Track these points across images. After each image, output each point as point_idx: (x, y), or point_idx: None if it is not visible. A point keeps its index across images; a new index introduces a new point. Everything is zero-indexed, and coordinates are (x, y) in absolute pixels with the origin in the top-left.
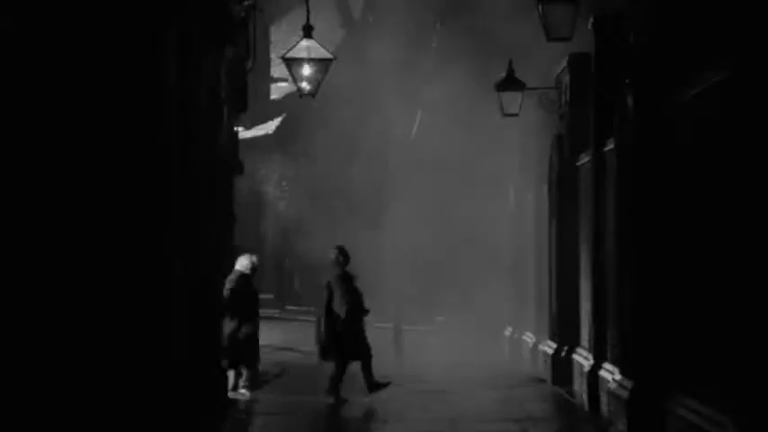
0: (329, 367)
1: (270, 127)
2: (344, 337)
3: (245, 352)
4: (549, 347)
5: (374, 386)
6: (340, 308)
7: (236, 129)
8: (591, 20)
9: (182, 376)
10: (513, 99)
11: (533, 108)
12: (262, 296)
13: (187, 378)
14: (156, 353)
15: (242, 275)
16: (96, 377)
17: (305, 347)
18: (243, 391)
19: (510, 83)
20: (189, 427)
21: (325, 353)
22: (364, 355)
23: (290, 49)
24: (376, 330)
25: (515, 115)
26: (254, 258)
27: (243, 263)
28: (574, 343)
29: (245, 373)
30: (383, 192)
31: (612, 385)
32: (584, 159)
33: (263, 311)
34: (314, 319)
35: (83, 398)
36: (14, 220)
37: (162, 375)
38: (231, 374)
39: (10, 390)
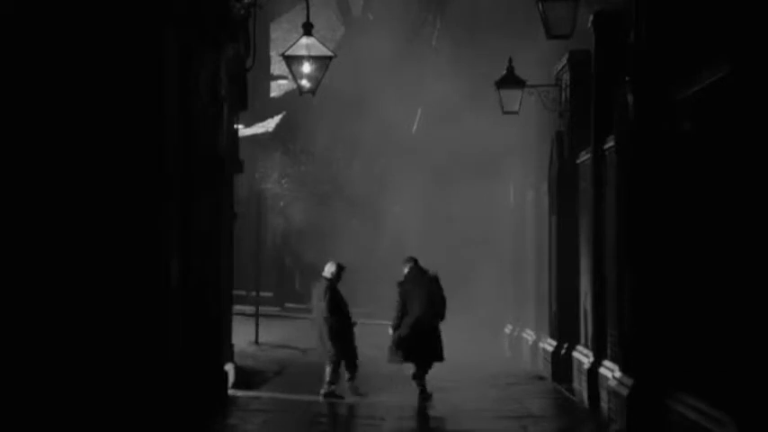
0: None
1: (270, 125)
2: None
3: (344, 354)
4: (549, 345)
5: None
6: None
7: (235, 126)
8: (591, 18)
9: (181, 375)
10: (513, 97)
11: (533, 106)
12: (261, 294)
13: (186, 377)
14: (154, 352)
15: (326, 280)
16: (95, 377)
17: (304, 345)
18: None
19: (510, 80)
20: (189, 425)
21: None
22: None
23: (290, 47)
24: (375, 328)
25: (515, 113)
26: (338, 264)
27: (328, 269)
28: (574, 340)
29: (347, 374)
30: (383, 189)
31: (612, 383)
32: (584, 157)
33: (262, 309)
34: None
35: (82, 397)
36: (13, 221)
37: (161, 374)
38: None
39: (11, 389)
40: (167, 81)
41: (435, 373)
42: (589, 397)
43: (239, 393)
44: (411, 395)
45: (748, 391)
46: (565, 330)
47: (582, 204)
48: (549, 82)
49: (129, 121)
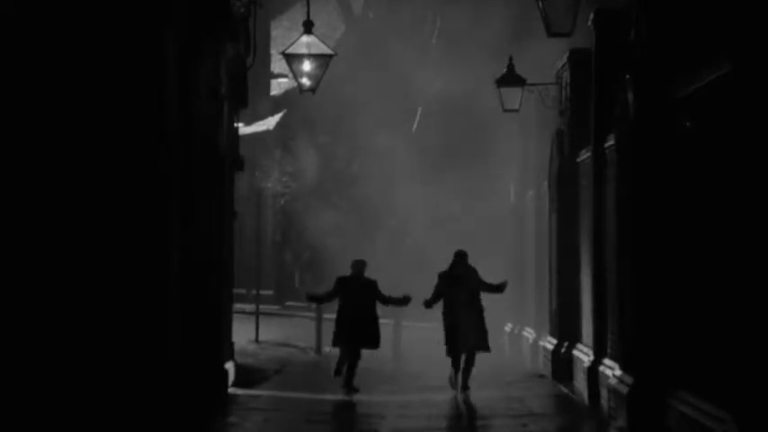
0: (325, 365)
1: (270, 123)
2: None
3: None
4: (549, 343)
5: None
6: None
7: (236, 125)
8: (591, 15)
9: (181, 374)
10: (513, 95)
11: (534, 104)
12: (261, 292)
13: (186, 375)
14: (154, 351)
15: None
16: (96, 376)
17: (304, 343)
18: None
19: (510, 78)
20: (189, 424)
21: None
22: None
23: (291, 45)
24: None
25: (515, 111)
26: (362, 262)
27: (362, 267)
28: (574, 339)
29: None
30: (383, 188)
31: (613, 381)
32: (585, 155)
33: (262, 307)
34: (314, 315)
35: (82, 396)
36: (11, 219)
37: (161, 373)
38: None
39: (11, 388)
40: (167, 80)
41: (435, 371)
42: (589, 395)
43: (239, 392)
44: (411, 393)
45: (748, 390)
46: (565, 329)
47: (582, 203)
48: (550, 80)
49: (130, 121)
